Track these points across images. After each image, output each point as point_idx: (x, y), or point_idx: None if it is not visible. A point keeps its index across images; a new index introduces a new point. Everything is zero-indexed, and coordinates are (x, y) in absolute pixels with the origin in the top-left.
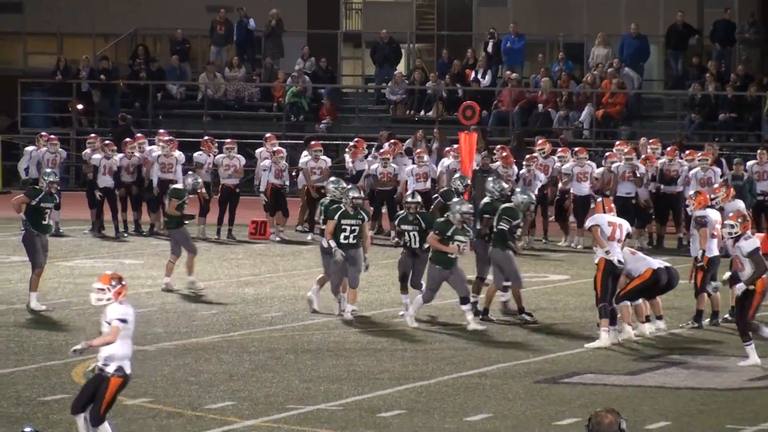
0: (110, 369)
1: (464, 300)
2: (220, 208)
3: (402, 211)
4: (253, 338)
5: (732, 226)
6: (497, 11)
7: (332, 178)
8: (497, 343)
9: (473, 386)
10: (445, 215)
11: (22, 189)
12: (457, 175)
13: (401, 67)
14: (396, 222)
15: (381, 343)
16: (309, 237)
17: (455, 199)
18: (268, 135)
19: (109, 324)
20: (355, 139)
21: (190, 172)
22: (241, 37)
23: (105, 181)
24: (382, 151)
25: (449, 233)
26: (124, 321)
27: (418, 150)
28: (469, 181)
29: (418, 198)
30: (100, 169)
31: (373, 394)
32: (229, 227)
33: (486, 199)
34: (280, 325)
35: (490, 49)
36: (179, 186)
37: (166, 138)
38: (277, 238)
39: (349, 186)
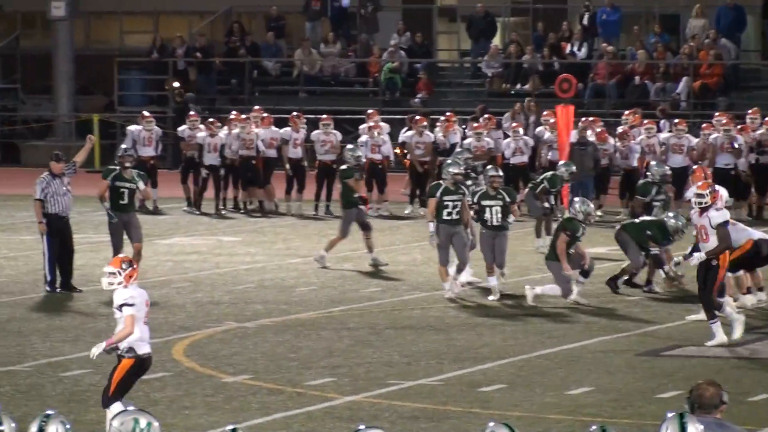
0: (122, 351)
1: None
2: (318, 183)
3: (474, 186)
4: (352, 314)
5: (701, 196)
6: None
7: (349, 146)
8: (598, 317)
9: (574, 360)
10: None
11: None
12: (561, 163)
13: (497, 41)
14: (476, 198)
15: (481, 318)
16: (407, 211)
17: (447, 161)
18: (370, 111)
19: (119, 311)
20: (447, 113)
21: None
22: (335, 12)
23: (211, 158)
24: (475, 125)
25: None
26: (131, 305)
27: (515, 124)
28: (573, 168)
29: (500, 172)
30: (204, 147)
31: (473, 368)
32: (326, 203)
33: (567, 216)
34: (379, 301)
35: (585, 21)
36: (345, 166)
37: (264, 115)
38: (375, 214)
39: (449, 161)
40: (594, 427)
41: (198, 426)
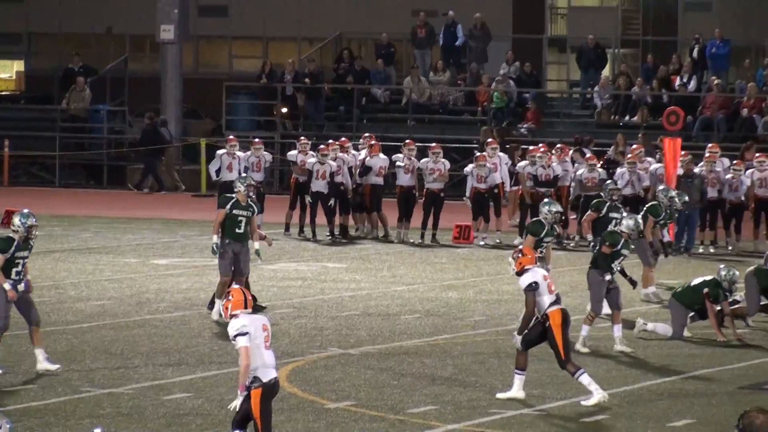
0: (248, 382)
1: None
2: (425, 211)
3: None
4: (456, 342)
5: None
6: (703, 16)
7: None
8: (701, 349)
9: (676, 392)
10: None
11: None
12: (660, 187)
13: (606, 72)
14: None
15: (584, 348)
16: (516, 241)
17: (546, 200)
18: (489, 140)
19: (234, 341)
20: (558, 144)
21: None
22: (447, 41)
23: (318, 185)
24: (588, 156)
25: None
26: (243, 335)
27: (629, 156)
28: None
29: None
30: (313, 173)
31: (576, 399)
32: (433, 231)
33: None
34: (484, 330)
35: (695, 54)
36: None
37: (373, 142)
38: (481, 243)
39: (549, 201)
40: None
41: None
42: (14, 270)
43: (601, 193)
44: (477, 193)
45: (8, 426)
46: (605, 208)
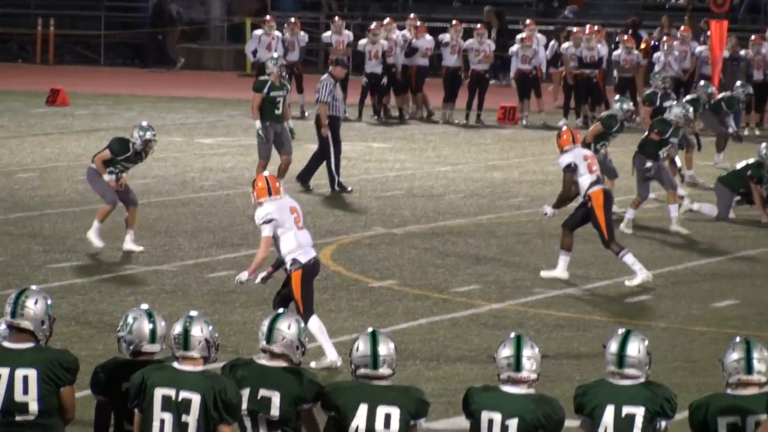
0: (288, 265)
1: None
2: (470, 92)
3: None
4: (500, 222)
5: None
6: None
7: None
8: (745, 230)
9: (721, 273)
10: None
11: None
12: (702, 83)
13: None
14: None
15: (628, 228)
16: (560, 123)
17: (618, 97)
18: (528, 21)
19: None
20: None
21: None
22: None
23: (371, 65)
24: (626, 38)
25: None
26: (267, 222)
27: (665, 38)
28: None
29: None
30: (366, 54)
31: (619, 279)
32: (477, 112)
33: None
34: (528, 210)
35: None
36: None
37: (418, 23)
38: (525, 123)
39: (622, 98)
40: (738, 339)
41: (343, 330)
42: (110, 169)
43: (650, 82)
44: (521, 74)
45: (48, 302)
46: (658, 99)
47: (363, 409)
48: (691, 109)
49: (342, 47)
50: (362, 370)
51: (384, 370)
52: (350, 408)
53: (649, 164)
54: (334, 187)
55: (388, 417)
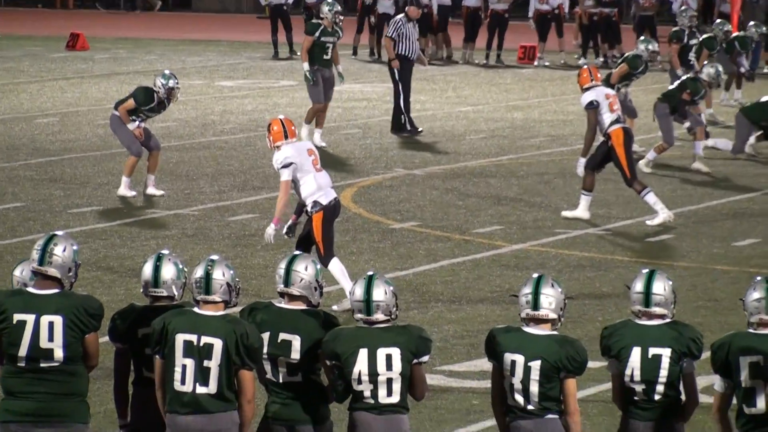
0: (308, 208)
1: None
2: (489, 32)
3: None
4: (521, 162)
5: None
6: None
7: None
8: (766, 169)
9: (742, 211)
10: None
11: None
12: (717, 21)
13: None
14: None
15: (647, 168)
16: (581, 61)
17: (643, 38)
18: None
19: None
20: None
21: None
22: None
23: (384, 6)
24: None
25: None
26: (286, 166)
27: None
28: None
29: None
30: None
31: (641, 218)
32: (497, 52)
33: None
34: (549, 150)
35: None
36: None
37: None
38: (546, 63)
39: (647, 39)
40: (759, 278)
41: (365, 272)
42: (132, 117)
43: (677, 20)
44: (540, 14)
45: (74, 248)
46: (685, 36)
47: (363, 354)
48: (721, 69)
49: None
50: (358, 315)
51: (378, 316)
52: (350, 354)
53: (687, 124)
54: (402, 128)
55: (389, 358)
